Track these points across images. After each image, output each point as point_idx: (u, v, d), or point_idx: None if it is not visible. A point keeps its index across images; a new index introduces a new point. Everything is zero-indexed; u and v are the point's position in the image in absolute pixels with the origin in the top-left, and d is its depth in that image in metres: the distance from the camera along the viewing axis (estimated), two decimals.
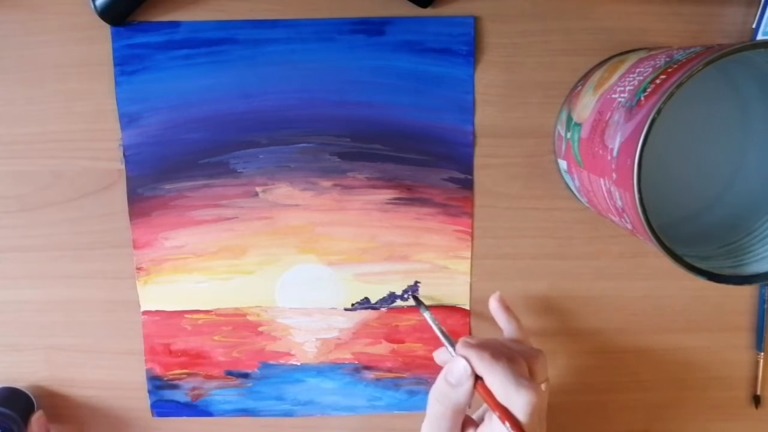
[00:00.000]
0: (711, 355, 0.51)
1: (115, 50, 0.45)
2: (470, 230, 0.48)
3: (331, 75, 0.46)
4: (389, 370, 0.51)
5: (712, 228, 0.42)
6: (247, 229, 0.48)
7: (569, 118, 0.43)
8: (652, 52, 0.39)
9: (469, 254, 0.49)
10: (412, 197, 0.48)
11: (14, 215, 0.48)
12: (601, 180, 0.36)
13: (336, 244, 0.49)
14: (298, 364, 0.51)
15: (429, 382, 0.47)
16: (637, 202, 0.31)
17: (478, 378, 0.38)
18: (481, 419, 0.40)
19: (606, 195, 0.36)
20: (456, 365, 0.39)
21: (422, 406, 0.41)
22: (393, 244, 0.49)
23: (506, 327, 0.45)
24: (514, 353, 0.39)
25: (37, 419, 0.48)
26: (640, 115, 0.32)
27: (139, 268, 0.49)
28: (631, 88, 0.35)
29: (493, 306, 0.46)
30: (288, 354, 0.51)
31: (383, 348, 0.50)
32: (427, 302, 0.49)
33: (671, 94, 0.30)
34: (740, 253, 0.38)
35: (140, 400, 0.51)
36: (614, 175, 0.34)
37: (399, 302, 0.50)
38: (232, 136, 0.47)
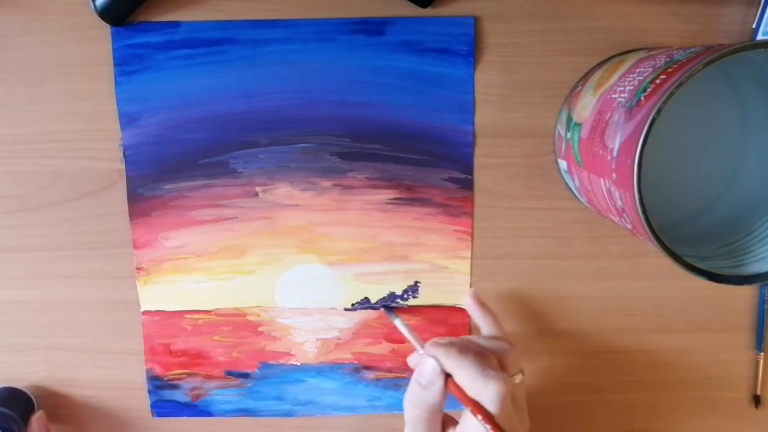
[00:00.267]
0: (711, 355, 0.51)
1: (115, 50, 0.45)
2: (470, 230, 0.48)
3: (331, 75, 0.46)
4: (389, 370, 0.51)
5: (712, 228, 0.42)
6: (247, 229, 0.48)
7: (569, 118, 0.43)
8: (652, 52, 0.39)
9: (469, 254, 0.49)
10: (412, 197, 0.48)
11: (14, 215, 0.48)
12: (601, 180, 0.36)
13: (336, 244, 0.49)
14: (298, 364, 0.51)
15: None
16: (637, 202, 0.31)
17: (448, 376, 0.38)
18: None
19: (606, 195, 0.36)
20: (425, 366, 0.39)
21: None
22: (393, 244, 0.49)
23: (482, 323, 0.45)
24: (482, 348, 0.39)
25: (37, 419, 0.48)
26: (640, 115, 0.32)
27: (139, 268, 0.49)
28: (631, 88, 0.35)
29: (468, 303, 0.46)
30: (288, 354, 0.51)
31: (383, 348, 0.50)
32: (426, 302, 0.49)
33: (671, 94, 0.30)
34: (740, 253, 0.38)
35: (140, 400, 0.51)
36: (614, 175, 0.34)
37: (399, 302, 0.50)
38: (232, 136, 0.47)
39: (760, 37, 0.44)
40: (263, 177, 0.47)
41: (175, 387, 0.51)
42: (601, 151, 0.36)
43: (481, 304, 0.45)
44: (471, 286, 0.49)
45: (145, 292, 0.49)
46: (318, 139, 0.47)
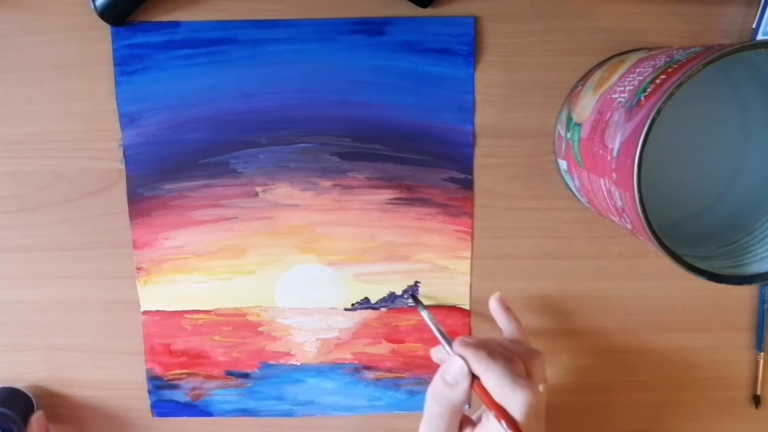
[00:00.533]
0: (711, 355, 0.51)
1: (115, 50, 0.45)
2: (470, 230, 0.48)
3: (331, 75, 0.46)
4: (389, 370, 0.51)
5: (712, 228, 0.42)
6: (247, 229, 0.48)
7: (569, 118, 0.43)
8: (652, 52, 0.39)
9: (469, 254, 0.49)
10: (412, 197, 0.48)
11: (14, 215, 0.48)
12: (601, 180, 0.36)
13: (336, 244, 0.49)
14: (298, 364, 0.51)
15: (429, 382, 0.46)
16: (637, 202, 0.31)
17: (474, 377, 0.38)
18: (480, 420, 0.40)
19: (606, 195, 0.36)
20: (453, 364, 0.39)
21: (422, 406, 0.41)
22: (393, 244, 0.49)
23: (506, 327, 0.45)
24: (511, 353, 0.39)
25: (37, 419, 0.48)
26: (640, 115, 0.32)
27: (139, 268, 0.49)
28: (631, 88, 0.35)
29: (493, 306, 0.46)
30: (288, 354, 0.51)
31: (383, 348, 0.50)
32: (426, 302, 0.49)
33: (671, 94, 0.30)
34: (740, 253, 0.38)
35: (140, 400, 0.51)
36: (614, 175, 0.34)
37: (399, 302, 0.50)
38: (232, 136, 0.47)
39: (760, 37, 0.44)
40: (263, 177, 0.47)
41: (175, 387, 0.51)
42: (601, 151, 0.36)
43: (506, 308, 0.45)
44: (471, 286, 0.49)
45: (145, 292, 0.49)
46: (318, 139, 0.47)
